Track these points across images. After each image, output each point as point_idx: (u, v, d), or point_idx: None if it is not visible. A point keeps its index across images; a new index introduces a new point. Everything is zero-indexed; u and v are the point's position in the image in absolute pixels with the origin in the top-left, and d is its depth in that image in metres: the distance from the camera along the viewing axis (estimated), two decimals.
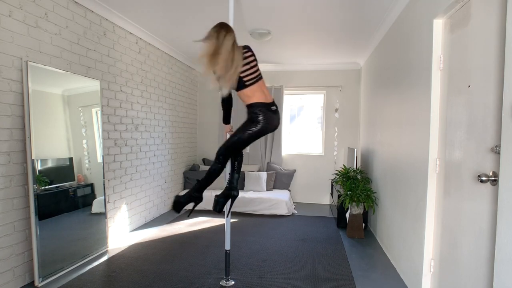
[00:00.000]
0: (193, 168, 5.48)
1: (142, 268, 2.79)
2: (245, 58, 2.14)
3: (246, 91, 2.14)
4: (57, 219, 2.68)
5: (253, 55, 2.20)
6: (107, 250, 3.20)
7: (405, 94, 2.78)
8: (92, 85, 3.12)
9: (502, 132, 1.24)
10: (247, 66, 2.13)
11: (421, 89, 2.38)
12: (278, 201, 4.69)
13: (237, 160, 2.42)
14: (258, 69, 2.20)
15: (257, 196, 4.80)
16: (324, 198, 5.62)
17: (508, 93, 1.21)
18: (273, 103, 2.22)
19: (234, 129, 2.34)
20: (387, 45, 3.46)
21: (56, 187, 2.69)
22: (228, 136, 2.39)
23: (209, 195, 4.89)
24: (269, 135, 5.62)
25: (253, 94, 2.15)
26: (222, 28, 2.13)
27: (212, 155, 5.94)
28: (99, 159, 3.20)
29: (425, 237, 2.22)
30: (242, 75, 2.11)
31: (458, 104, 1.88)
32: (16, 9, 2.33)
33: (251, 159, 5.70)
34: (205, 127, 5.94)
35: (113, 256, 3.05)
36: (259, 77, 2.20)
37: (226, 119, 2.45)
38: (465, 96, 1.80)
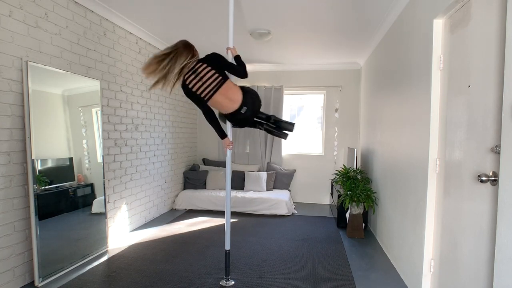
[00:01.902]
0: (193, 168, 5.48)
1: (142, 268, 2.79)
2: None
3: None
4: (57, 219, 2.68)
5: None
6: (107, 250, 3.20)
7: (405, 94, 2.78)
8: (92, 85, 3.12)
9: (502, 132, 1.24)
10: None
11: (421, 89, 2.38)
12: (278, 201, 4.69)
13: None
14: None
15: (257, 196, 4.80)
16: (324, 198, 5.62)
17: (508, 93, 1.21)
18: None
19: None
20: (387, 45, 3.46)
21: (56, 187, 2.69)
22: (228, 150, 2.49)
23: (209, 195, 4.90)
24: (269, 136, 5.62)
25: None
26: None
27: (212, 155, 5.95)
28: (99, 159, 3.20)
29: (425, 237, 2.22)
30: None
31: (458, 104, 1.88)
32: (16, 9, 2.33)
33: (251, 159, 5.71)
34: (205, 127, 5.93)
35: (113, 256, 3.05)
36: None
37: (219, 130, 2.42)
38: (465, 96, 1.80)
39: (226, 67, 2.26)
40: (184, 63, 2.14)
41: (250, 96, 2.26)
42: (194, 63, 2.20)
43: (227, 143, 2.48)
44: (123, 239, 3.55)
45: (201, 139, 6.00)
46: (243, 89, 2.28)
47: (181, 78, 2.21)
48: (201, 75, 2.17)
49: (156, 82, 2.14)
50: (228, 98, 2.22)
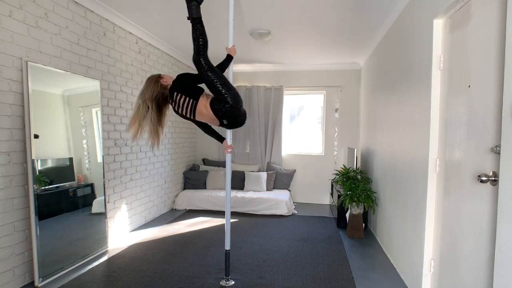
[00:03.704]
0: (193, 168, 5.48)
1: (142, 268, 2.79)
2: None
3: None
4: (57, 219, 2.68)
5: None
6: (107, 250, 3.20)
7: (405, 94, 2.78)
8: (92, 85, 3.12)
9: (502, 132, 1.24)
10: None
11: (421, 89, 2.38)
12: (278, 201, 4.69)
13: None
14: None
15: (257, 196, 4.80)
16: (324, 198, 5.62)
17: (508, 93, 1.21)
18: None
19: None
20: (387, 45, 3.46)
21: (56, 187, 2.69)
22: (228, 152, 2.51)
23: (209, 195, 4.90)
24: (269, 135, 5.62)
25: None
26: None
27: (212, 155, 5.94)
28: (99, 159, 3.20)
29: (425, 237, 2.22)
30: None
31: (458, 104, 1.88)
32: (16, 9, 2.33)
33: (251, 159, 5.70)
34: None
35: (113, 256, 3.05)
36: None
37: (218, 137, 2.54)
38: (465, 96, 1.80)
39: (195, 82, 2.22)
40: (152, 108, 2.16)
41: (220, 108, 2.08)
42: (170, 93, 2.19)
43: (226, 146, 2.51)
44: (123, 239, 3.55)
45: (201, 139, 6.00)
46: (212, 103, 2.10)
47: (168, 107, 2.27)
48: (179, 103, 2.17)
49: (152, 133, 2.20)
50: (207, 119, 2.21)
